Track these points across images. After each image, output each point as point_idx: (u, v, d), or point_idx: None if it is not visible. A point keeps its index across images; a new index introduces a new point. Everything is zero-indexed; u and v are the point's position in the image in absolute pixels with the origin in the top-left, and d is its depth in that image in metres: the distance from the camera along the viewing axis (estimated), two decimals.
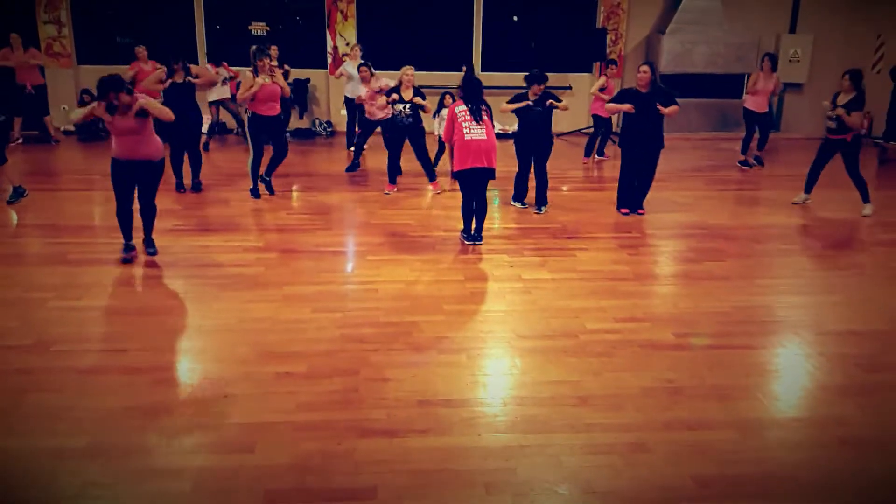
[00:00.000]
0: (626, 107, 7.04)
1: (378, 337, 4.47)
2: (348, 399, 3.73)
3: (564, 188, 8.22)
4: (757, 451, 3.36)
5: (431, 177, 8.28)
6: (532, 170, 7.46)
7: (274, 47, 10.17)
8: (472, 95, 6.19)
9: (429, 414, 3.61)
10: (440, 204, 7.85)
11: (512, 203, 7.64)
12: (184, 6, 11.84)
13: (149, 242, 5.89)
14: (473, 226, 6.33)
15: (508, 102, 7.33)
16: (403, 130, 7.94)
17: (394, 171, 8.18)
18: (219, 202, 7.68)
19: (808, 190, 7.89)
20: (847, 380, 4.07)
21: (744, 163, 10.00)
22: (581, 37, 12.37)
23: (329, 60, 12.07)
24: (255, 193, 7.78)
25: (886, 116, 11.29)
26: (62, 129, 11.40)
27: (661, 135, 7.18)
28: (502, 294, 5.24)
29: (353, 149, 9.86)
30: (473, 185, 6.16)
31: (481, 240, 6.31)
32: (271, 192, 7.93)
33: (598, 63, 12.26)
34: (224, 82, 10.91)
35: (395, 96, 7.77)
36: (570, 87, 12.54)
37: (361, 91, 8.95)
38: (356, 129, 10.04)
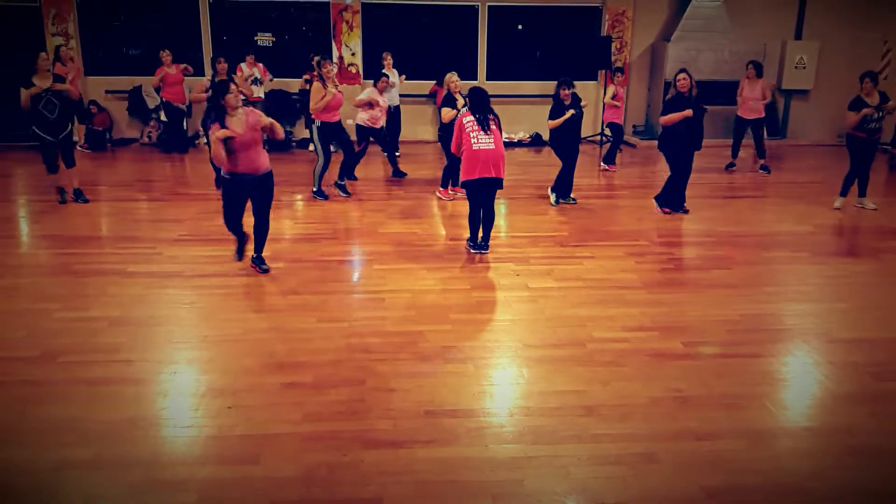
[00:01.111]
0: (687, 112, 7.21)
1: (384, 347, 4.45)
2: (354, 409, 3.72)
3: (571, 196, 8.19)
4: (766, 461, 3.33)
5: (457, 181, 8.35)
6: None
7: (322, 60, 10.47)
8: (479, 106, 6.14)
9: (435, 424, 3.58)
10: (447, 213, 7.85)
11: (561, 201, 8.04)
12: (190, 18, 11.92)
13: (261, 260, 5.75)
14: (480, 234, 6.33)
15: (552, 119, 7.85)
16: None
17: (449, 176, 8.30)
18: None
19: (845, 194, 8.02)
20: (857, 388, 4.03)
21: (730, 165, 10.32)
22: (586, 45, 12.37)
23: (335, 70, 12.12)
24: (321, 195, 8.20)
25: None
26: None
27: (702, 135, 7.46)
28: (509, 303, 5.22)
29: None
30: (481, 194, 6.14)
31: (487, 248, 6.29)
32: (346, 193, 8.37)
33: (604, 71, 12.27)
34: (255, 82, 10.84)
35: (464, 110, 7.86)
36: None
37: (380, 100, 8.88)
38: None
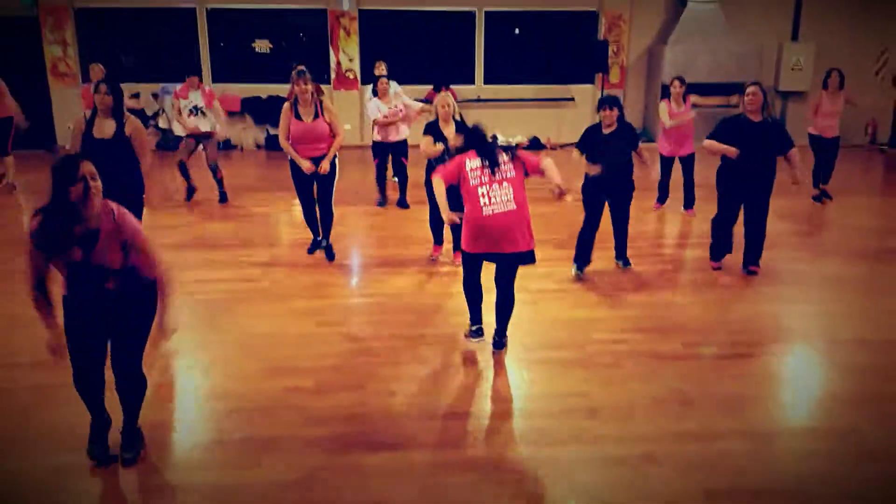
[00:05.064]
0: (731, 150, 5.41)
1: (384, 350, 4.45)
2: (355, 413, 3.71)
3: (569, 198, 8.17)
4: (769, 462, 3.32)
5: (440, 238, 6.53)
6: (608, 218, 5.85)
7: (380, 63, 8.74)
8: (479, 144, 4.15)
9: (436, 427, 3.58)
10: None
11: (573, 271, 5.76)
12: (187, 25, 11.94)
13: (127, 436, 3.33)
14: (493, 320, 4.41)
15: (577, 146, 5.66)
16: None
17: (439, 227, 6.15)
18: (225, 217, 7.70)
19: None
20: (861, 389, 4.02)
21: (817, 198, 8.35)
22: (583, 49, 12.42)
23: (332, 76, 12.16)
24: (311, 249, 6.37)
25: (892, 123, 11.29)
26: None
27: (773, 176, 5.63)
28: None
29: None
30: (479, 267, 4.31)
31: (503, 346, 4.41)
32: (330, 257, 6.21)
33: (600, 74, 12.30)
34: (195, 112, 8.08)
35: (440, 145, 5.64)
36: (572, 99, 12.57)
37: (381, 109, 7.80)
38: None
